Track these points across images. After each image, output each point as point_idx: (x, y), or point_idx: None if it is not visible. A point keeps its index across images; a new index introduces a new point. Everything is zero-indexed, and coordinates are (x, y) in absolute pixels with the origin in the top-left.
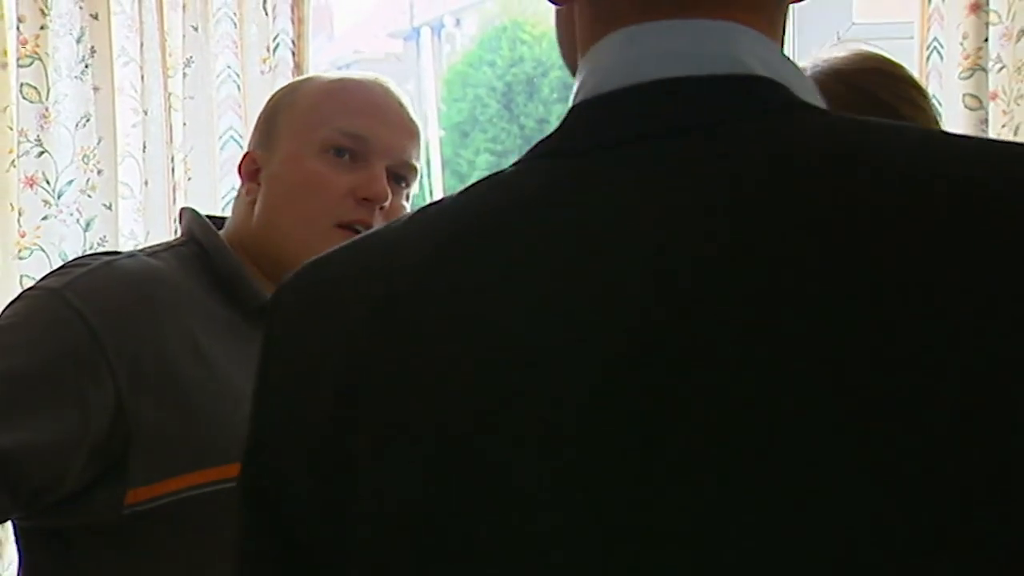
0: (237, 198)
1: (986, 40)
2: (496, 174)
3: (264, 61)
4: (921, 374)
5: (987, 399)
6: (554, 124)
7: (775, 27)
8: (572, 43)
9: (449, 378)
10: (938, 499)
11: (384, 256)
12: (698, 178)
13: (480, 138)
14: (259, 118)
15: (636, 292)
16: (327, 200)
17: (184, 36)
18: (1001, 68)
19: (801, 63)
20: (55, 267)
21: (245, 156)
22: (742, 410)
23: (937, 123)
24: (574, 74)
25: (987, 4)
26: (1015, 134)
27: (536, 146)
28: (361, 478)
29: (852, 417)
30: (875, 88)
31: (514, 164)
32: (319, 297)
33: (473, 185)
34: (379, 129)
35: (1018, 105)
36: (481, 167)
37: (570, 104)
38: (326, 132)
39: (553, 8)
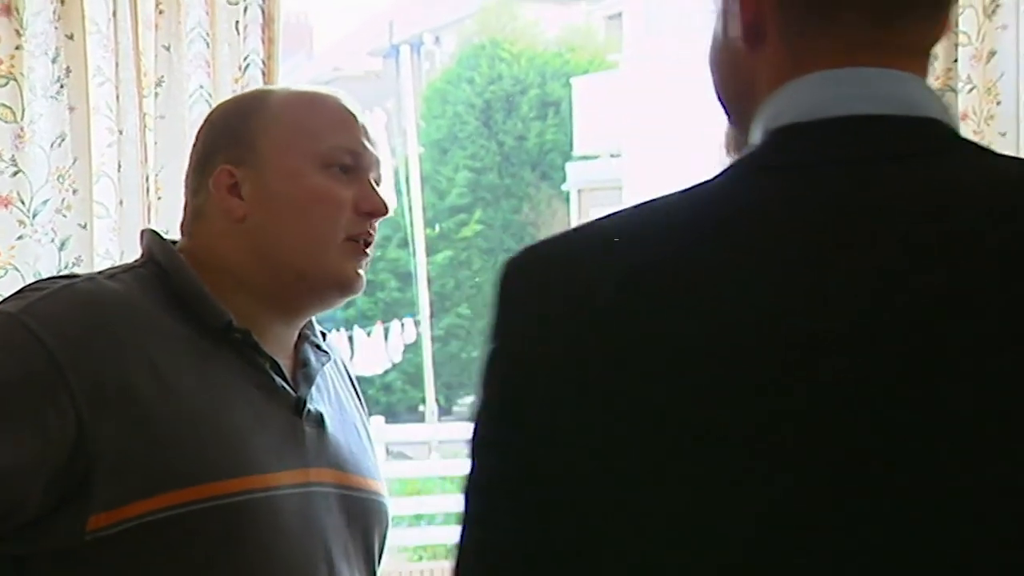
0: (203, 214)
1: (956, 61)
2: (710, 181)
3: (236, 81)
4: None
5: None
6: (532, 141)
7: (925, 69)
8: (747, 79)
9: (684, 349)
10: None
11: (621, 241)
12: (893, 201)
13: (459, 155)
14: (219, 130)
15: (840, 293)
16: (338, 215)
17: (157, 56)
18: (971, 89)
19: None
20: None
21: (219, 171)
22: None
23: None
24: (732, 105)
25: (957, 25)
26: None
27: (744, 160)
28: (594, 414)
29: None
30: None
31: (724, 173)
32: (555, 272)
33: (689, 190)
34: (366, 144)
35: (988, 125)
36: (460, 184)
37: (771, 127)
38: (326, 148)
39: (722, 47)
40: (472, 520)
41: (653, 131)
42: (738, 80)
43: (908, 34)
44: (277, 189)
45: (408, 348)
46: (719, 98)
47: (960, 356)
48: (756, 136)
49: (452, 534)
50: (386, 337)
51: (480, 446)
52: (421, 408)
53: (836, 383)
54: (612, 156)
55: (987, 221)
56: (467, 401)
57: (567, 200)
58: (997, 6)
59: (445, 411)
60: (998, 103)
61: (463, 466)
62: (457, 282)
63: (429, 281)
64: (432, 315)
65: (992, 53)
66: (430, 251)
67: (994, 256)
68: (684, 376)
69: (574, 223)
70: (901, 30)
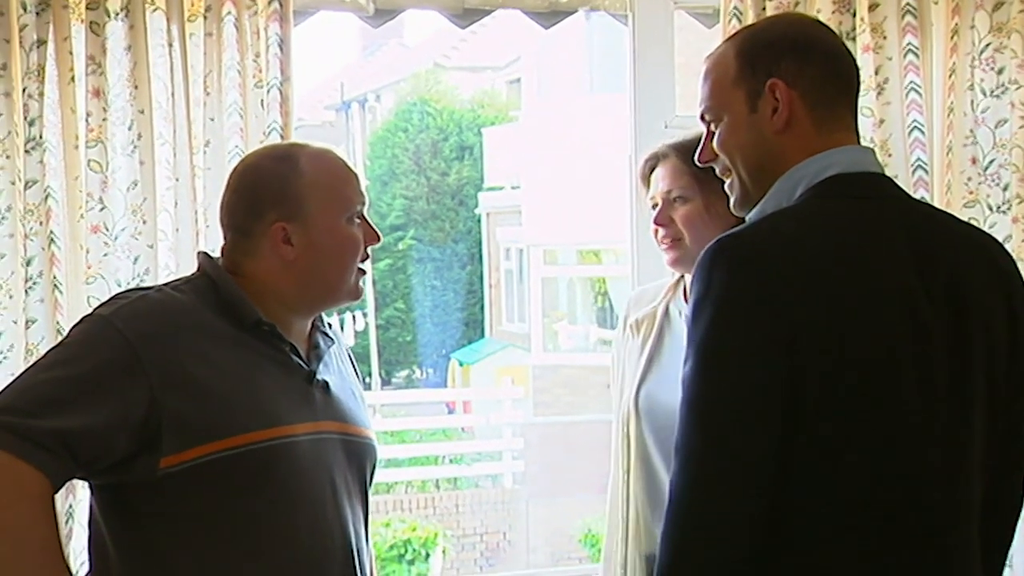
0: (256, 254)
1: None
2: (804, 203)
3: (261, 142)
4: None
5: None
6: (452, 177)
7: None
8: (776, 152)
9: (862, 303)
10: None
11: (804, 230)
12: (895, 217)
13: (396, 186)
14: (265, 189)
15: (904, 270)
16: (358, 253)
17: (204, 125)
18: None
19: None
20: (111, 292)
21: (276, 227)
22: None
23: None
24: (755, 171)
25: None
26: None
27: (817, 191)
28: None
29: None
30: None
31: (808, 199)
32: (768, 248)
33: (795, 207)
34: (361, 191)
35: (885, 171)
36: (397, 209)
37: (822, 177)
38: (350, 207)
39: (747, 132)
40: (731, 424)
41: (544, 168)
42: (766, 153)
43: (851, 119)
44: (319, 240)
45: (358, 333)
46: (739, 167)
47: (974, 288)
48: (799, 184)
49: (389, 475)
50: (341, 325)
51: (734, 365)
52: (368, 379)
53: (936, 317)
54: (513, 187)
55: (953, 222)
56: (402, 374)
57: (479, 221)
58: (882, 89)
59: (386, 381)
60: (889, 155)
61: (399, 423)
62: (395, 283)
63: (374, 282)
64: (376, 308)
65: (882, 121)
66: (374, 260)
67: (970, 240)
68: (858, 309)
69: (484, 240)
70: (853, 115)
